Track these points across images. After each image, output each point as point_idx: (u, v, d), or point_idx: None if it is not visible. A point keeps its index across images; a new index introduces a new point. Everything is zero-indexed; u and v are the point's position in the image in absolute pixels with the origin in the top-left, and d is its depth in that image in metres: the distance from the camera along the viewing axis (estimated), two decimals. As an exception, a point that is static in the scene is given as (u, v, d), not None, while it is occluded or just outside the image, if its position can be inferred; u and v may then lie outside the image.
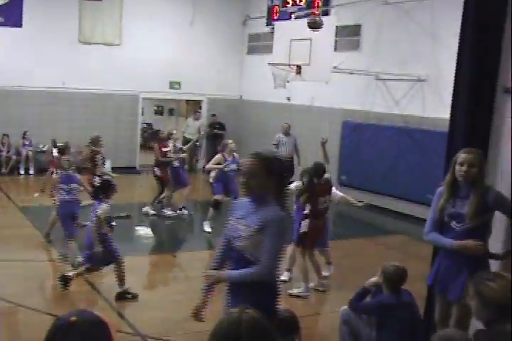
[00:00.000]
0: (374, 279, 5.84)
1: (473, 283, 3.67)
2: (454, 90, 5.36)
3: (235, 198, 11.02)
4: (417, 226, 12.89)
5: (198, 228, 12.55)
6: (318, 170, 8.61)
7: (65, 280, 8.00)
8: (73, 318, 2.35)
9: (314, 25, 11.11)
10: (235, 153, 11.89)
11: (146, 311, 8.07)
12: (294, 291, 8.59)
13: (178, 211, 13.31)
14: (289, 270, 9.08)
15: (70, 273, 8.12)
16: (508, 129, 4.97)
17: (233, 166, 11.71)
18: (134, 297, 8.21)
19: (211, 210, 11.97)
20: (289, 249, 8.65)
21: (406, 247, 11.65)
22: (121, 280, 8.17)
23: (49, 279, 8.75)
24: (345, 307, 6.06)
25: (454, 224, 5.26)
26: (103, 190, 8.16)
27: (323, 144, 9.48)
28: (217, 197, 11.91)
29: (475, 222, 5.13)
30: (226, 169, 11.65)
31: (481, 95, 5.07)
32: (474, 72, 5.05)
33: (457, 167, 5.16)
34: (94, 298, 8.15)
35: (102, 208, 7.90)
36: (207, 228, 11.98)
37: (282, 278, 8.78)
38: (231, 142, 11.96)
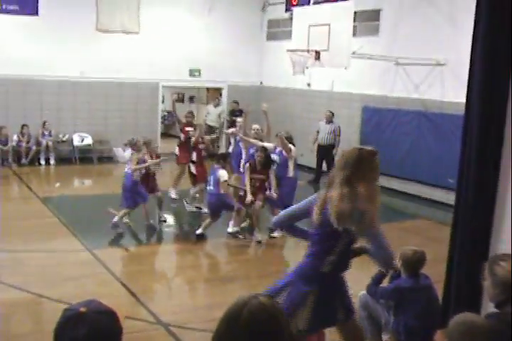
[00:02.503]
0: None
1: (488, 263, 3.66)
2: (470, 73, 5.33)
3: None
4: (436, 210, 12.93)
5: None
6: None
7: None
8: (82, 309, 2.38)
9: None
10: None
11: (166, 299, 8.15)
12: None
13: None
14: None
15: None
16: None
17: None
18: (245, 237, 10.65)
19: None
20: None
21: (425, 231, 11.60)
22: (237, 223, 10.59)
23: (71, 269, 8.80)
24: (364, 292, 6.08)
25: None
26: None
27: (265, 113, 11.95)
28: None
29: None
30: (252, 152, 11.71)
31: (496, 78, 5.04)
32: (489, 55, 5.01)
33: None
34: (116, 286, 8.19)
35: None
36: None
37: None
38: (255, 127, 12.10)
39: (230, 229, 10.75)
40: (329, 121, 16.15)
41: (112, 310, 2.46)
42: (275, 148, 11.20)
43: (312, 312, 4.65)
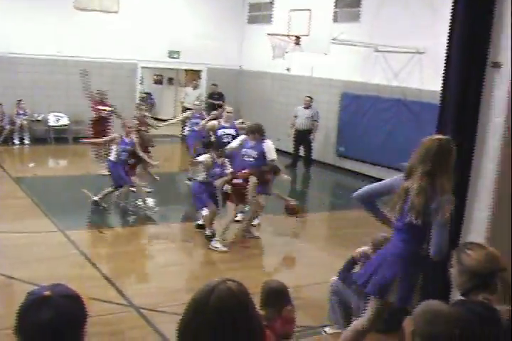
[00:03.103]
0: (361, 249, 5.88)
1: (455, 251, 3.70)
2: (446, 63, 5.34)
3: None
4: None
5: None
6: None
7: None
8: (47, 292, 2.34)
9: (292, 212, 10.34)
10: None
11: (138, 282, 8.14)
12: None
13: None
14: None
15: None
16: (499, 103, 4.96)
17: (230, 131, 11.57)
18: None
19: None
20: None
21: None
22: (208, 223, 9.66)
23: (43, 250, 8.72)
24: (335, 277, 6.13)
25: None
26: None
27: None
28: None
29: None
30: (221, 134, 11.48)
31: (472, 69, 5.05)
32: (465, 45, 5.02)
33: None
34: (88, 268, 8.15)
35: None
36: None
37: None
38: (229, 109, 11.91)
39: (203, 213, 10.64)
40: (308, 106, 16.15)
41: (78, 294, 2.43)
42: (246, 141, 10.23)
43: (423, 290, 4.84)
